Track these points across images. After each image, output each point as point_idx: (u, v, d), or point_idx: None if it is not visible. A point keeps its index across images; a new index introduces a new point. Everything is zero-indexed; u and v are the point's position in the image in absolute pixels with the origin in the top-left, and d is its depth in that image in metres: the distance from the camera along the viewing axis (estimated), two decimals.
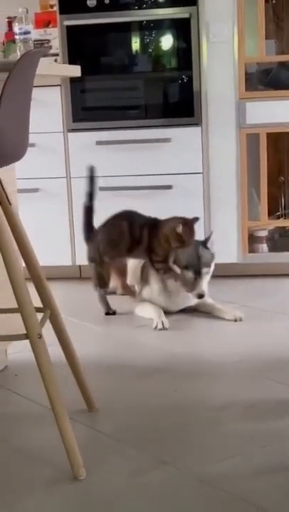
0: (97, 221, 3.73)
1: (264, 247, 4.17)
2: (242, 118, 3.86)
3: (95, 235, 3.53)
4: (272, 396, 2.46)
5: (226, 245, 3.88)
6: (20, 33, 2.84)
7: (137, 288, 3.60)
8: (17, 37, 2.86)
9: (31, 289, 2.05)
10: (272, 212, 4.18)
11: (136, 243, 3.37)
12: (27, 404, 2.48)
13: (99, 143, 3.97)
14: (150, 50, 3.95)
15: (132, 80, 4.00)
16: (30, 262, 2.15)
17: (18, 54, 2.76)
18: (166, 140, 3.92)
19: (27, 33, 2.85)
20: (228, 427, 2.25)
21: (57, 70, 2.89)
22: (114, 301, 3.58)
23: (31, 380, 2.40)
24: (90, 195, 3.57)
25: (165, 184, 3.94)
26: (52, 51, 4.01)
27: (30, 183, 3.96)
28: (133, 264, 3.64)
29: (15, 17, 3.09)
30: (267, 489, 1.86)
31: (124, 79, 4.01)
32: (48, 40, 4.08)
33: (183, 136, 3.91)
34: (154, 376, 2.71)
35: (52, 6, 4.14)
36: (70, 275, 4.19)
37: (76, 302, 3.70)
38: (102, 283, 3.49)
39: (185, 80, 3.89)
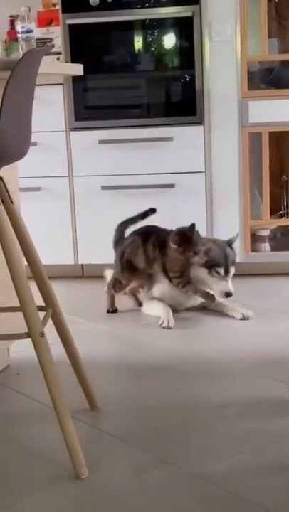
0: (98, 220, 3.74)
1: (266, 246, 4.17)
2: (244, 117, 3.86)
3: (121, 243, 3.55)
4: (274, 395, 2.46)
5: None
6: (22, 32, 2.84)
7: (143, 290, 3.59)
8: (19, 35, 2.86)
9: (33, 287, 2.05)
10: (274, 211, 4.17)
11: (151, 261, 3.38)
12: (29, 403, 2.48)
13: (101, 142, 3.97)
14: (153, 49, 3.95)
15: (134, 78, 4.00)
16: (32, 261, 2.15)
17: (21, 53, 2.76)
18: (169, 139, 3.92)
19: (29, 31, 2.85)
20: (230, 426, 2.25)
21: (59, 68, 2.89)
22: (117, 300, 3.57)
23: (33, 379, 2.40)
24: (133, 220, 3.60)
25: (167, 183, 3.94)
26: (54, 50, 4.01)
27: (33, 182, 3.96)
28: None
29: (17, 15, 3.09)
30: (268, 488, 1.86)
31: (127, 77, 4.00)
32: (51, 39, 4.08)
33: (185, 135, 3.91)
34: (157, 375, 2.71)
35: (54, 5, 4.14)
36: (72, 274, 4.19)
37: (78, 301, 3.70)
38: (116, 288, 3.50)
39: (187, 79, 3.89)
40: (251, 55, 3.88)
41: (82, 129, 4.01)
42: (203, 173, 3.93)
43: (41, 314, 2.05)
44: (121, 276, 3.48)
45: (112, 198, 4.00)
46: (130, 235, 3.55)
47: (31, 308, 1.96)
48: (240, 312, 3.31)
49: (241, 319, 3.29)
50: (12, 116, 1.97)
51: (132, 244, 3.45)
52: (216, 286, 3.29)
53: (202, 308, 3.44)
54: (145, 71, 3.98)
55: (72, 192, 4.06)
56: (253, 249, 4.04)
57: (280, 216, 4.28)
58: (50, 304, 2.19)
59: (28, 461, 2.09)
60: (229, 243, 3.34)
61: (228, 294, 3.27)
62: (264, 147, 3.90)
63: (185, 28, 3.85)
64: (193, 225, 3.26)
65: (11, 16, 4.08)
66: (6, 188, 2.05)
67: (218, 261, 3.26)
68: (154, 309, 3.40)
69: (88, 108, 4.03)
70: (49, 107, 3.91)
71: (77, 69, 2.78)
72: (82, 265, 4.21)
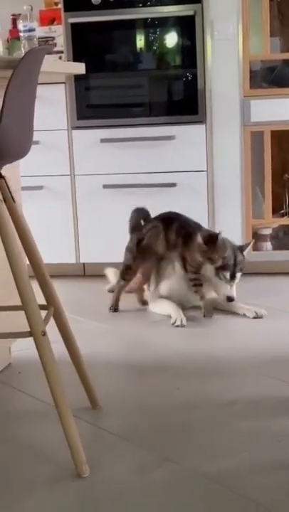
0: (99, 219, 3.74)
1: (268, 245, 4.16)
2: (246, 116, 3.86)
3: (139, 229, 3.54)
4: (277, 394, 2.46)
5: None
6: (24, 31, 2.84)
7: (148, 286, 3.59)
8: (21, 34, 2.86)
9: (35, 286, 2.05)
10: (276, 210, 4.17)
11: (171, 248, 3.38)
12: (31, 401, 2.48)
13: (103, 140, 3.97)
14: (154, 48, 3.95)
15: (136, 77, 4.00)
16: (34, 260, 2.15)
17: (23, 51, 2.76)
18: (171, 138, 3.91)
19: (31, 30, 2.85)
20: (233, 425, 2.25)
21: (61, 67, 2.89)
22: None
23: (35, 378, 2.40)
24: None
25: (169, 182, 3.94)
26: (56, 48, 4.01)
27: (35, 181, 3.97)
28: None
29: (19, 14, 3.09)
30: (271, 487, 1.86)
31: (129, 76, 4.00)
32: (53, 38, 4.08)
33: (187, 134, 3.91)
34: (160, 374, 2.71)
35: (56, 4, 4.14)
36: (74, 273, 4.19)
37: (80, 300, 3.70)
38: (126, 275, 3.49)
39: (189, 78, 3.89)
40: (253, 53, 3.88)
41: (84, 127, 4.01)
42: (205, 172, 3.93)
43: (43, 313, 2.05)
44: (132, 263, 3.46)
45: (113, 197, 4.00)
46: (152, 219, 3.54)
47: (33, 307, 1.96)
48: (253, 311, 3.32)
49: (254, 318, 3.29)
50: (14, 114, 1.97)
51: (154, 230, 3.45)
52: (220, 289, 3.30)
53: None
54: (147, 70, 3.98)
55: (74, 191, 4.06)
56: (255, 248, 4.04)
57: (282, 215, 4.27)
58: (51, 302, 2.19)
59: (30, 459, 2.09)
60: (241, 249, 3.34)
61: (229, 299, 3.28)
62: (266, 146, 3.90)
63: (187, 27, 3.85)
64: (219, 233, 3.27)
65: (13, 15, 4.08)
66: (7, 187, 2.05)
67: (227, 265, 3.26)
68: (163, 308, 3.40)
69: (90, 107, 4.03)
70: (51, 105, 3.91)
71: (79, 68, 2.78)
72: (83, 264, 4.21)
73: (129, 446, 2.14)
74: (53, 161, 4.02)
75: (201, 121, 3.89)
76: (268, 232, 4.18)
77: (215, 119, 3.89)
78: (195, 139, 3.91)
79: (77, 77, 3.89)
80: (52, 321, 2.14)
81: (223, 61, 3.83)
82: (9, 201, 2.05)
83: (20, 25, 2.86)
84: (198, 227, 3.43)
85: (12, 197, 2.06)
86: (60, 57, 3.98)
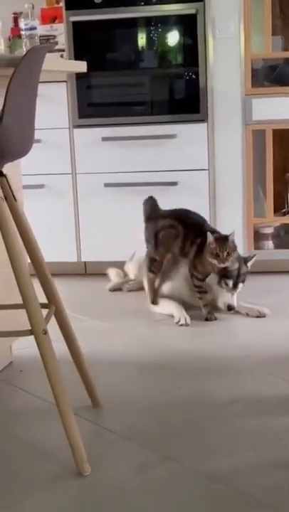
0: (101, 217, 3.72)
1: (270, 243, 4.16)
2: (248, 114, 3.86)
3: (153, 218, 3.50)
4: (279, 393, 2.46)
5: None
6: (26, 29, 2.84)
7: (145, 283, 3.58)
8: (23, 33, 2.86)
9: (36, 285, 2.05)
10: (278, 209, 4.17)
11: (183, 254, 3.36)
12: (32, 400, 2.48)
13: (104, 139, 3.97)
14: (156, 46, 3.94)
15: (138, 76, 4.00)
16: (35, 258, 2.15)
17: (24, 50, 2.76)
18: (172, 136, 3.91)
19: (33, 28, 2.85)
20: (234, 424, 2.25)
21: (63, 65, 2.89)
22: (121, 298, 3.57)
23: (36, 376, 2.40)
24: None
25: (170, 180, 3.94)
26: (58, 47, 4.01)
27: (36, 179, 3.96)
28: (140, 258, 3.64)
29: (21, 13, 3.09)
30: (272, 485, 1.86)
31: (130, 75, 4.00)
32: (54, 36, 4.07)
33: (189, 133, 3.91)
34: (160, 372, 2.71)
35: (58, 2, 4.13)
36: (75, 271, 4.19)
37: (81, 298, 3.70)
38: (152, 267, 3.45)
39: (191, 76, 3.88)
40: (255, 52, 3.87)
41: (86, 126, 4.01)
42: (207, 171, 3.93)
43: (44, 311, 2.05)
44: (155, 254, 3.44)
45: (115, 196, 4.00)
46: (168, 214, 3.47)
47: (34, 306, 1.96)
48: (256, 310, 3.32)
49: (257, 317, 3.29)
50: (15, 113, 1.96)
51: (171, 230, 3.39)
52: (221, 296, 3.29)
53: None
54: (149, 68, 3.98)
55: (76, 189, 4.06)
56: (257, 247, 4.03)
57: (284, 214, 4.27)
58: (53, 301, 2.19)
59: (31, 457, 2.09)
60: (245, 260, 3.34)
61: (230, 308, 3.28)
62: (268, 145, 3.90)
63: (189, 26, 3.85)
64: (231, 233, 3.26)
65: (14, 13, 4.08)
66: (9, 185, 2.05)
67: (231, 274, 3.26)
68: (166, 307, 3.40)
69: (92, 105, 4.03)
70: (52, 104, 3.91)
71: (81, 66, 2.78)
72: (85, 263, 4.21)
73: (130, 444, 2.14)
74: (55, 159, 4.02)
75: (203, 119, 3.89)
76: (269, 231, 4.18)
77: (216, 118, 3.88)
78: (197, 137, 3.90)
79: (79, 76, 3.89)
80: (53, 320, 2.14)
81: (225, 60, 3.83)
82: (10, 200, 2.05)
83: (22, 24, 2.86)
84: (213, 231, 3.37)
85: (13, 195, 2.06)
86: (62, 56, 3.97)
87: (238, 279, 3.27)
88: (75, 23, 3.92)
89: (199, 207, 3.86)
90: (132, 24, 3.93)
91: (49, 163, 4.01)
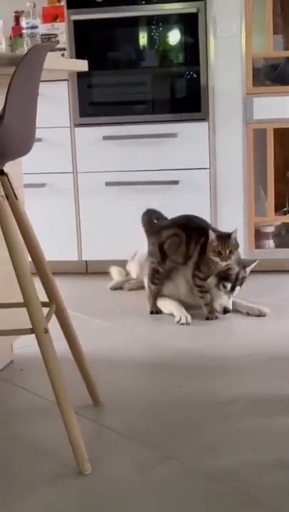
0: (102, 216, 3.71)
1: (271, 243, 4.16)
2: (249, 113, 3.85)
3: (156, 231, 3.48)
4: (280, 393, 2.46)
5: None
6: (27, 28, 2.84)
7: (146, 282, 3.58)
8: (24, 31, 2.85)
9: (37, 283, 2.05)
10: (278, 208, 4.17)
11: (189, 258, 3.35)
12: (32, 398, 2.48)
13: (106, 138, 3.97)
14: (157, 45, 3.94)
15: (139, 74, 4.00)
16: (36, 257, 2.15)
17: (26, 48, 2.76)
18: (173, 135, 3.91)
19: (34, 27, 2.85)
20: (235, 423, 2.25)
21: (64, 64, 2.89)
22: (122, 297, 3.57)
23: (37, 375, 2.40)
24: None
25: (171, 179, 3.94)
26: (59, 46, 4.01)
27: (37, 178, 3.96)
28: (142, 258, 3.64)
29: (22, 11, 3.09)
30: (271, 485, 1.86)
31: (132, 74, 4.00)
32: (56, 35, 4.07)
33: (190, 132, 3.91)
34: (161, 371, 2.71)
35: (59, 1, 4.13)
36: (76, 270, 4.19)
37: (82, 297, 3.70)
38: (154, 280, 3.44)
39: (192, 75, 3.88)
40: (256, 51, 3.87)
41: (87, 125, 4.00)
42: (208, 170, 3.93)
43: (45, 310, 2.05)
44: (160, 266, 3.43)
45: (116, 194, 4.00)
46: (171, 224, 3.46)
47: (35, 304, 1.96)
48: (256, 309, 3.33)
49: (258, 316, 3.30)
50: (16, 112, 1.96)
51: (176, 238, 3.38)
52: (218, 299, 3.29)
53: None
54: (150, 67, 3.97)
55: (77, 188, 4.06)
56: (258, 246, 4.04)
57: (285, 213, 4.27)
58: (54, 300, 2.19)
59: (31, 456, 2.09)
60: (245, 265, 3.33)
61: (226, 310, 3.28)
62: (269, 144, 3.90)
63: (190, 24, 3.85)
64: (234, 231, 3.24)
65: (16, 12, 4.08)
66: (10, 184, 2.05)
67: (230, 277, 3.26)
68: (166, 307, 3.40)
69: (93, 104, 4.02)
70: (54, 103, 3.91)
71: (82, 65, 2.78)
72: (86, 261, 4.21)
73: (130, 443, 2.14)
74: (56, 158, 4.02)
75: (204, 118, 3.89)
76: (270, 230, 4.18)
77: (217, 117, 3.88)
78: (198, 136, 3.90)
79: (80, 75, 3.89)
80: (54, 319, 2.14)
81: (226, 59, 3.82)
82: (12, 198, 2.05)
83: (23, 23, 2.86)
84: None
85: (14, 194, 2.06)
86: (63, 55, 3.97)
87: (236, 282, 3.28)
88: (76, 22, 3.92)
89: (200, 206, 3.87)
90: (133, 23, 3.93)
91: (50, 162, 4.01)
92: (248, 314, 3.33)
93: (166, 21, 3.90)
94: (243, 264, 3.32)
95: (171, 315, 3.32)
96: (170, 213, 3.56)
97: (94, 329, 3.21)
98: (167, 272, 3.44)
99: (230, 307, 3.29)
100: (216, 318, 3.29)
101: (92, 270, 4.19)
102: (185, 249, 3.34)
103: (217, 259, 3.19)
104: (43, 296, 2.11)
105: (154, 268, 3.44)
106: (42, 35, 3.37)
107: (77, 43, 3.94)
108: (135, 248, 3.75)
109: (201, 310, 3.32)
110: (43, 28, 3.90)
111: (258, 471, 1.94)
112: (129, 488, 1.89)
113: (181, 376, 2.65)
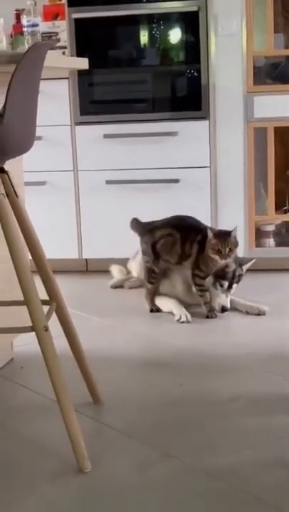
0: (102, 214, 3.71)
1: (271, 241, 4.16)
2: (250, 112, 3.85)
3: (149, 230, 3.48)
4: (279, 391, 2.46)
5: None
6: (28, 26, 2.84)
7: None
8: (25, 29, 2.85)
9: (37, 281, 2.05)
10: (279, 206, 4.17)
11: (185, 257, 3.35)
12: (33, 396, 2.49)
13: (106, 136, 3.97)
14: (158, 44, 3.94)
15: (139, 73, 4.00)
16: (36, 255, 2.15)
17: (26, 46, 2.76)
18: (174, 133, 3.91)
19: (35, 25, 2.84)
20: (234, 421, 2.25)
21: (65, 62, 2.89)
22: (122, 295, 3.57)
23: (37, 373, 2.41)
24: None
25: (172, 178, 3.94)
26: (60, 44, 4.01)
27: (38, 176, 3.97)
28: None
29: (23, 9, 3.08)
30: (271, 483, 1.87)
31: (132, 72, 4.00)
32: (56, 33, 4.07)
33: (190, 130, 3.90)
34: (161, 369, 2.71)
35: None
36: (77, 268, 4.19)
37: (82, 295, 3.70)
38: (151, 279, 3.45)
39: (193, 74, 3.88)
40: (257, 49, 3.87)
41: (88, 123, 4.00)
42: (208, 168, 3.93)
43: (45, 308, 2.05)
44: (154, 265, 3.43)
45: (116, 193, 4.00)
46: (164, 224, 3.46)
47: (35, 302, 1.96)
48: (256, 308, 3.33)
49: (257, 315, 3.30)
50: (17, 110, 1.96)
51: (170, 238, 3.38)
52: (215, 297, 3.30)
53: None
54: (151, 65, 3.97)
55: (77, 186, 4.06)
56: (258, 245, 4.03)
57: (285, 211, 4.27)
58: (54, 298, 2.19)
59: (32, 454, 2.09)
60: (241, 263, 3.33)
61: (224, 309, 3.28)
62: (269, 142, 3.90)
63: (191, 23, 3.84)
64: (234, 229, 3.24)
65: (16, 10, 4.07)
66: (10, 182, 2.05)
67: (226, 275, 3.26)
68: (165, 305, 3.40)
69: (93, 102, 4.02)
70: (54, 101, 3.91)
71: (83, 63, 2.78)
72: (86, 260, 4.21)
73: (130, 441, 2.14)
74: (56, 156, 4.02)
75: (205, 117, 3.89)
76: (270, 228, 4.18)
77: (218, 115, 3.88)
78: (198, 134, 3.90)
79: (81, 73, 3.88)
80: (54, 317, 2.14)
81: (227, 57, 3.82)
82: (12, 196, 2.05)
83: (24, 21, 2.86)
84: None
85: (15, 192, 2.06)
86: (64, 53, 3.97)
87: (233, 280, 3.27)
88: (77, 20, 3.92)
89: (201, 204, 3.87)
90: (134, 21, 3.93)
91: (51, 160, 4.01)
92: (248, 313, 3.33)
93: (166, 19, 3.90)
94: (239, 262, 3.32)
95: (171, 313, 3.32)
96: (170, 212, 3.55)
97: (94, 327, 3.21)
98: (163, 270, 3.44)
99: (228, 305, 3.29)
100: (216, 316, 3.29)
101: (93, 268, 4.19)
102: (180, 249, 3.34)
103: (216, 258, 3.19)
104: (43, 294, 2.11)
105: (149, 267, 3.44)
106: (43, 33, 3.36)
107: (78, 41, 3.94)
108: (135, 247, 3.75)
109: (200, 308, 3.32)
110: (44, 26, 3.89)
111: (258, 469, 1.94)
112: (129, 486, 1.89)
113: (181, 374, 2.65)
